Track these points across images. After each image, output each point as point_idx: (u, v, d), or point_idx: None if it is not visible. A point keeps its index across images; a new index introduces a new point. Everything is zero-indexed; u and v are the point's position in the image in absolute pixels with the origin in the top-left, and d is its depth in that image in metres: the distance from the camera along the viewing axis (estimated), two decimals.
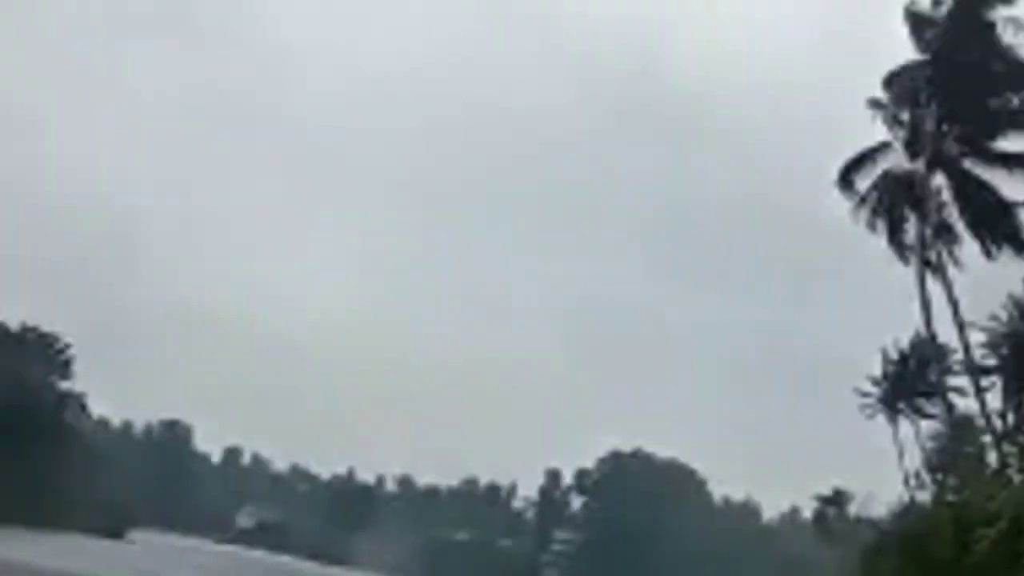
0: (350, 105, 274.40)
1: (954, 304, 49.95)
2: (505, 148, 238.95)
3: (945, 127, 52.05)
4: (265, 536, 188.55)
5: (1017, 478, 28.58)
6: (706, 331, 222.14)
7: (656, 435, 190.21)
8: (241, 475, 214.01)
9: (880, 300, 56.41)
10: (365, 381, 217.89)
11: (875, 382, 69.52)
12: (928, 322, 51.19)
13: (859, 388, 70.29)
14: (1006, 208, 51.21)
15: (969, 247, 51.60)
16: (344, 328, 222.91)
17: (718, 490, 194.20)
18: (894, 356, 64.67)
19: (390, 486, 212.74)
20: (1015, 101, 51.27)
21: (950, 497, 35.95)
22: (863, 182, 52.45)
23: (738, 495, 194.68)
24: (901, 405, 67.01)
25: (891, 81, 52.41)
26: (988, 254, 51.06)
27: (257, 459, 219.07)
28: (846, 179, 52.51)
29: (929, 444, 62.08)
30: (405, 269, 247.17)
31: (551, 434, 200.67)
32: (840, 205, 52.63)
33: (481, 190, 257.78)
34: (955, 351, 53.28)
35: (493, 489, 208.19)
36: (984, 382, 51.26)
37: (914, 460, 61.71)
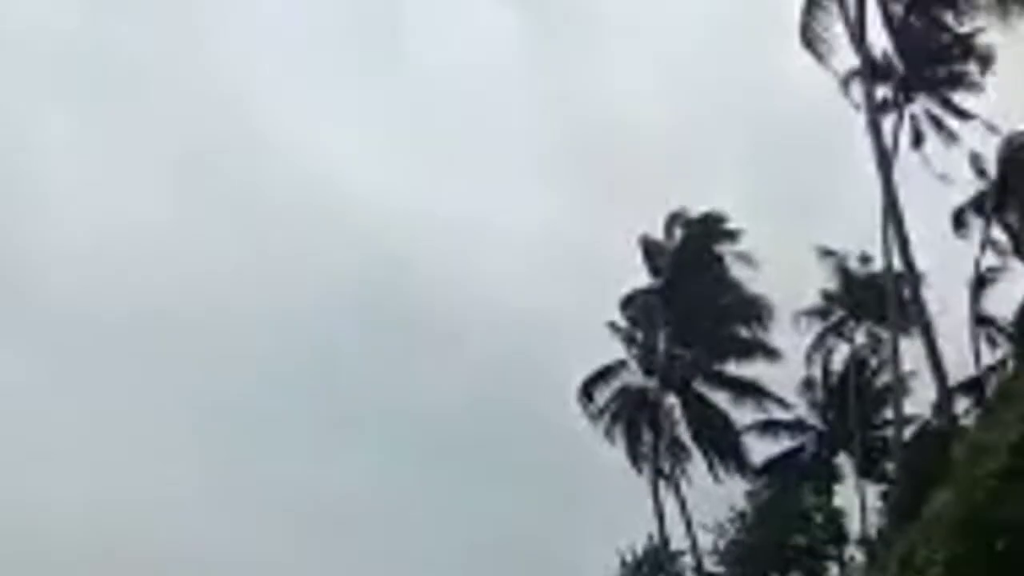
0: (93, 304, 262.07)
1: (687, 516, 52.41)
2: (248, 351, 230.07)
3: (677, 350, 55.09)
4: None
5: None
6: (439, 533, 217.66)
7: None
8: None
9: (616, 508, 57.79)
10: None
11: None
12: (661, 529, 53.59)
13: None
14: (731, 430, 54.34)
15: (699, 462, 54.45)
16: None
17: None
18: (630, 559, 64.77)
19: None
20: (742, 332, 54.61)
21: None
22: (602, 395, 54.76)
23: None
24: None
25: (627, 303, 55.28)
26: (713, 473, 54.05)
27: None
28: (587, 392, 54.59)
29: None
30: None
31: None
32: (580, 418, 54.89)
33: (227, 395, 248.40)
34: (684, 554, 54.72)
35: None
36: None
37: None
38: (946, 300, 48.07)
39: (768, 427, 54.81)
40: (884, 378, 52.49)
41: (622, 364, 55.37)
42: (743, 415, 54.83)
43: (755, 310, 54.65)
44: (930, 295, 45.93)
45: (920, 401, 48.79)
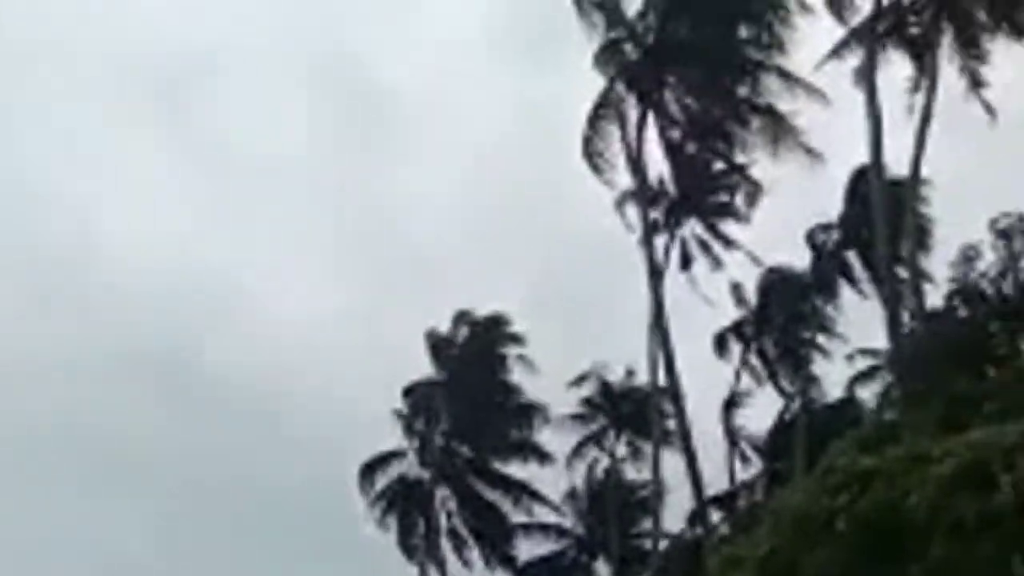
0: None
1: None
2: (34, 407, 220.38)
3: (454, 443, 56.36)
4: None
5: None
6: None
7: None
8: None
9: None
10: None
11: None
12: None
13: None
14: (503, 527, 55.85)
15: (470, 553, 55.78)
16: None
17: None
18: None
19: None
20: (517, 433, 56.31)
21: None
22: (380, 482, 55.67)
23: None
24: None
25: (409, 392, 56.39)
26: (487, 565, 55.45)
27: None
28: (365, 476, 55.47)
29: None
30: None
31: None
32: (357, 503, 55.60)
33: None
34: None
35: None
36: None
37: None
38: (703, 418, 49.78)
39: (532, 529, 56.15)
40: (643, 489, 54.12)
41: (402, 453, 56.32)
42: (515, 513, 56.23)
43: (530, 414, 56.23)
44: (690, 412, 47.41)
45: (677, 513, 50.41)
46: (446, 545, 55.47)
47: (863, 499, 15.98)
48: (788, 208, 51.23)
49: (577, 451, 55.61)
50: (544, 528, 56.59)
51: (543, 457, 55.89)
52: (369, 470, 55.46)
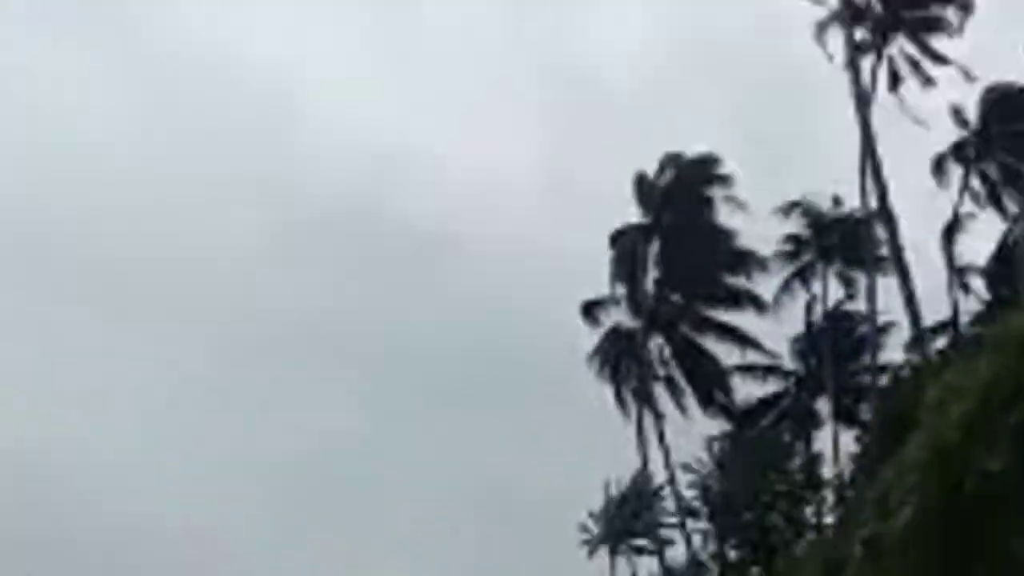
0: None
1: (668, 455, 52.92)
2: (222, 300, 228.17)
3: (665, 291, 55.03)
4: None
5: None
6: (425, 472, 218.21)
7: None
8: None
9: (604, 443, 58.24)
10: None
11: (596, 518, 69.26)
12: (644, 467, 54.35)
13: (582, 523, 69.87)
14: (717, 372, 54.42)
15: (686, 401, 54.72)
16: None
17: None
18: (615, 493, 64.79)
19: None
20: (729, 280, 54.79)
21: None
22: (596, 330, 54.87)
23: None
24: (620, 544, 66.86)
25: (616, 239, 54.99)
26: (705, 412, 54.22)
27: None
28: (587, 316, 54.92)
29: None
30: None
31: None
32: (565, 355, 55.26)
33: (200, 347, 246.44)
34: (664, 489, 54.99)
35: None
36: (696, 525, 53.74)
37: None
38: (920, 247, 48.04)
39: (751, 371, 55.02)
40: (860, 323, 52.61)
41: (614, 301, 55.21)
42: (729, 360, 54.82)
43: (745, 260, 54.62)
44: (905, 241, 45.77)
45: (897, 346, 48.96)
46: (662, 394, 54.51)
47: None
48: (1004, 18, 48.75)
49: (786, 287, 53.84)
50: (763, 370, 55.55)
51: (758, 304, 54.35)
52: (587, 312, 54.80)
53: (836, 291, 53.77)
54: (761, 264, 54.32)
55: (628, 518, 59.90)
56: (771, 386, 55.52)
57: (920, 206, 49.42)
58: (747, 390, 55.40)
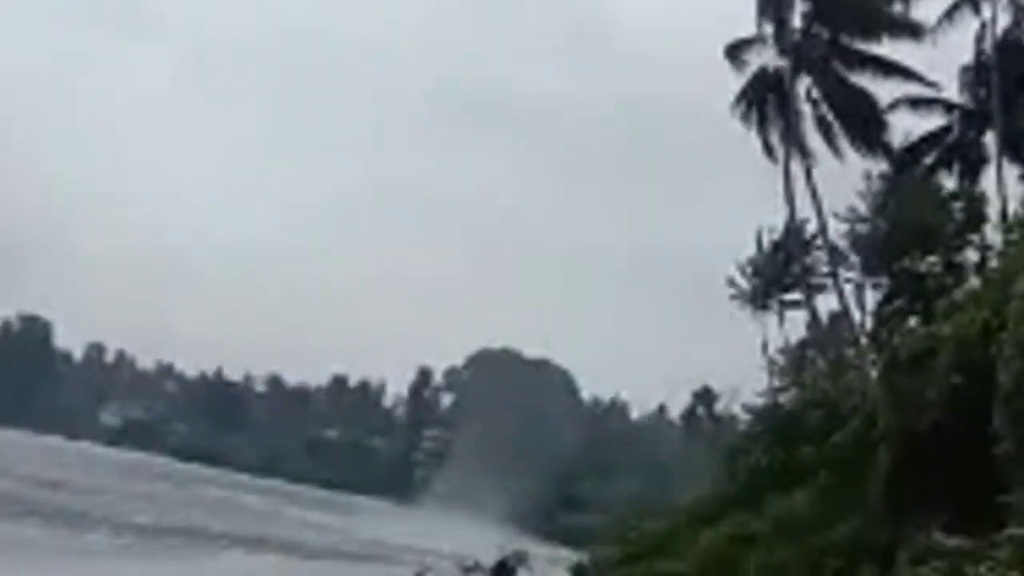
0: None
1: (817, 201, 51.54)
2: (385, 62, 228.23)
3: (815, 26, 52.27)
4: (131, 435, 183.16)
5: (873, 374, 27.82)
6: (572, 232, 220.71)
7: (525, 334, 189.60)
8: (104, 373, 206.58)
9: (754, 192, 56.98)
10: (231, 278, 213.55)
11: (744, 271, 68.33)
12: (792, 213, 52.83)
13: (730, 278, 69.10)
14: (873, 110, 51.88)
15: (840, 143, 52.75)
16: (208, 229, 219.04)
17: (587, 388, 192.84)
18: (766, 242, 63.93)
19: (259, 385, 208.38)
20: (882, 7, 51.49)
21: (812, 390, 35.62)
22: (742, 70, 53.08)
23: (607, 394, 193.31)
24: (770, 298, 66.13)
25: None
26: (862, 151, 52.37)
27: (121, 356, 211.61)
28: (733, 57, 52.95)
29: (794, 338, 61.59)
30: (268, 171, 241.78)
31: (421, 333, 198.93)
32: (715, 103, 53.88)
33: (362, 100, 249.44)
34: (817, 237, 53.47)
35: (363, 388, 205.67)
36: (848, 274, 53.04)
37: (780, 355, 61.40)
38: None
39: (914, 105, 52.17)
40: None
41: (759, 40, 53.02)
42: (886, 95, 52.28)
43: None
44: None
45: None
46: (815, 136, 52.53)
47: None
48: None
49: (953, 12, 49.77)
50: (926, 103, 52.63)
51: (915, 32, 50.50)
52: (732, 55, 52.80)
53: (1006, 19, 50.46)
54: None
55: (780, 266, 59.18)
56: (934, 122, 52.75)
57: None
58: (906, 127, 52.73)
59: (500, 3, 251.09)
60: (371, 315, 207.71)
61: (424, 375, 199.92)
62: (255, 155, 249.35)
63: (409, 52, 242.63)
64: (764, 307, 65.92)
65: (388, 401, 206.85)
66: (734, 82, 53.65)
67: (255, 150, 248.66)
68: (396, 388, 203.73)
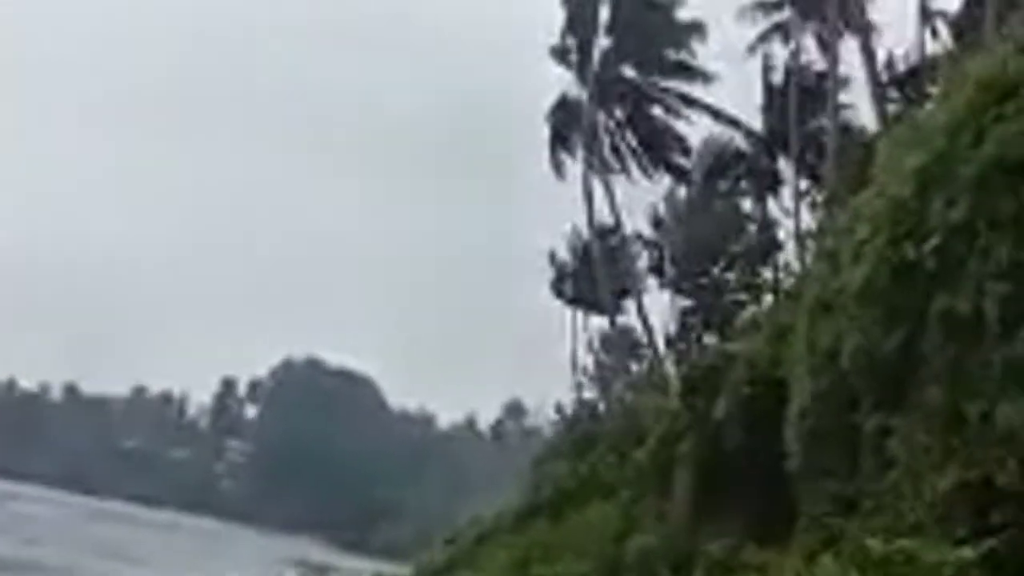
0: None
1: (615, 209, 55.10)
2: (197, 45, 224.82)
3: (614, 57, 55.22)
4: None
5: (674, 384, 28.60)
6: (381, 237, 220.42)
7: (331, 343, 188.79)
8: None
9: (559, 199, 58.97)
10: (23, 283, 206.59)
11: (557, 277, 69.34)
12: (590, 215, 55.87)
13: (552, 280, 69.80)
14: (672, 139, 55.57)
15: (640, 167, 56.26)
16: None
17: (394, 399, 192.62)
18: (575, 247, 65.08)
19: (55, 394, 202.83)
20: (674, 54, 55.29)
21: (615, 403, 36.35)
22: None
23: (413, 404, 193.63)
24: (577, 305, 67.08)
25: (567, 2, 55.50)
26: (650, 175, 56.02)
27: None
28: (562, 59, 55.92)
29: (598, 348, 62.70)
30: (65, 175, 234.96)
31: (224, 343, 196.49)
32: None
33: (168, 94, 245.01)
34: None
35: (165, 398, 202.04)
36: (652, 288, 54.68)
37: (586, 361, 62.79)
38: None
39: (714, 129, 54.90)
40: (825, 80, 51.90)
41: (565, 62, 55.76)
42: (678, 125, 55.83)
43: (688, 32, 55.17)
44: None
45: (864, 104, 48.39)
46: (612, 161, 55.52)
47: None
48: None
49: (763, 39, 53.46)
50: (728, 122, 55.23)
51: (705, 77, 54.93)
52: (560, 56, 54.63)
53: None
54: (703, 36, 54.75)
55: (585, 275, 60.47)
56: (734, 146, 55.90)
57: None
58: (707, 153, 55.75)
59: None
60: (173, 325, 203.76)
61: (228, 385, 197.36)
62: (53, 158, 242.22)
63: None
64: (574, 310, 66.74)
65: (191, 412, 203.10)
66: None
67: (55, 153, 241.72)
68: (199, 399, 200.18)
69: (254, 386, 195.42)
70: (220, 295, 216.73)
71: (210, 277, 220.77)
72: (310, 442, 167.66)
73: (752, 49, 53.33)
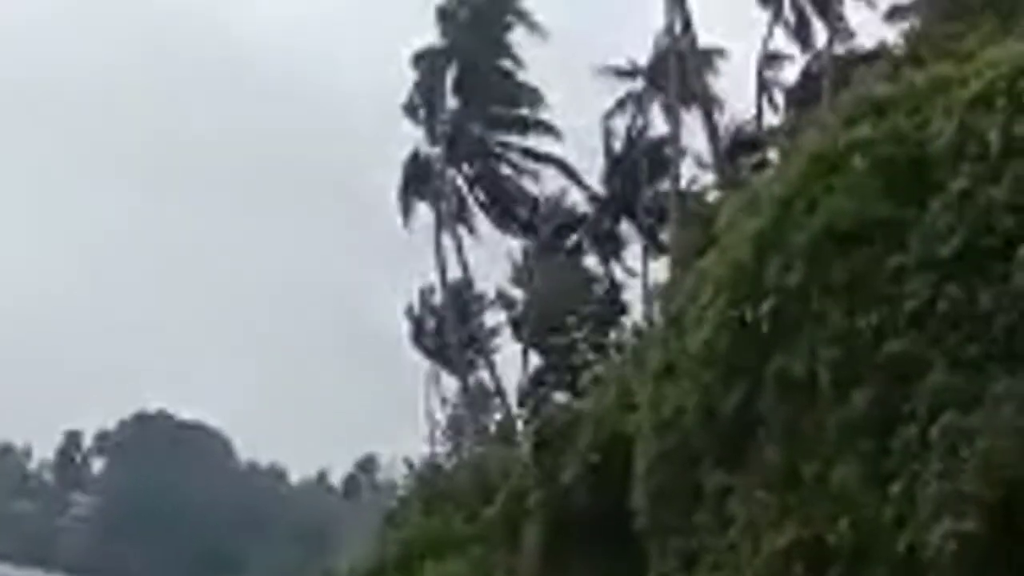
0: None
1: (467, 270, 56.16)
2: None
3: (462, 116, 56.19)
4: None
5: (525, 444, 28.84)
6: (238, 287, 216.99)
7: (183, 397, 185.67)
8: None
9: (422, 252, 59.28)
10: None
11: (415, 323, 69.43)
12: (443, 275, 56.81)
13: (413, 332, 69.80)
14: (520, 196, 56.60)
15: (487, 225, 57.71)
16: None
17: (246, 454, 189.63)
18: (430, 298, 65.48)
19: None
20: (522, 111, 56.31)
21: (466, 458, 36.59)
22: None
23: (266, 459, 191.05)
24: (432, 358, 67.18)
25: (417, 61, 55.87)
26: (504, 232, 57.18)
27: None
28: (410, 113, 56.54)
29: (454, 402, 62.90)
30: None
31: (70, 394, 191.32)
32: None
33: None
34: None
35: (6, 450, 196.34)
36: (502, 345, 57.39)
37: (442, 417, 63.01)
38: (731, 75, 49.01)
39: (562, 189, 55.94)
40: (667, 148, 53.39)
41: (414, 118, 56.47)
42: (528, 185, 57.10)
43: (534, 93, 56.30)
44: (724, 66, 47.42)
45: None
46: (468, 217, 56.39)
47: (880, 129, 14.56)
48: None
49: (618, 107, 55.34)
50: (576, 184, 56.47)
51: (555, 133, 56.06)
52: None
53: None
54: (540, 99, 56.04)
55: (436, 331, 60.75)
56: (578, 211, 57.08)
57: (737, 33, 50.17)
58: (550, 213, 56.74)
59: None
60: (14, 376, 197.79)
61: (73, 437, 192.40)
62: None
63: None
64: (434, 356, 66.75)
65: (33, 465, 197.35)
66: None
67: None
68: (43, 452, 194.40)
69: (102, 438, 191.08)
70: (66, 345, 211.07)
71: (55, 327, 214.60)
72: (157, 495, 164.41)
73: (609, 115, 54.94)
